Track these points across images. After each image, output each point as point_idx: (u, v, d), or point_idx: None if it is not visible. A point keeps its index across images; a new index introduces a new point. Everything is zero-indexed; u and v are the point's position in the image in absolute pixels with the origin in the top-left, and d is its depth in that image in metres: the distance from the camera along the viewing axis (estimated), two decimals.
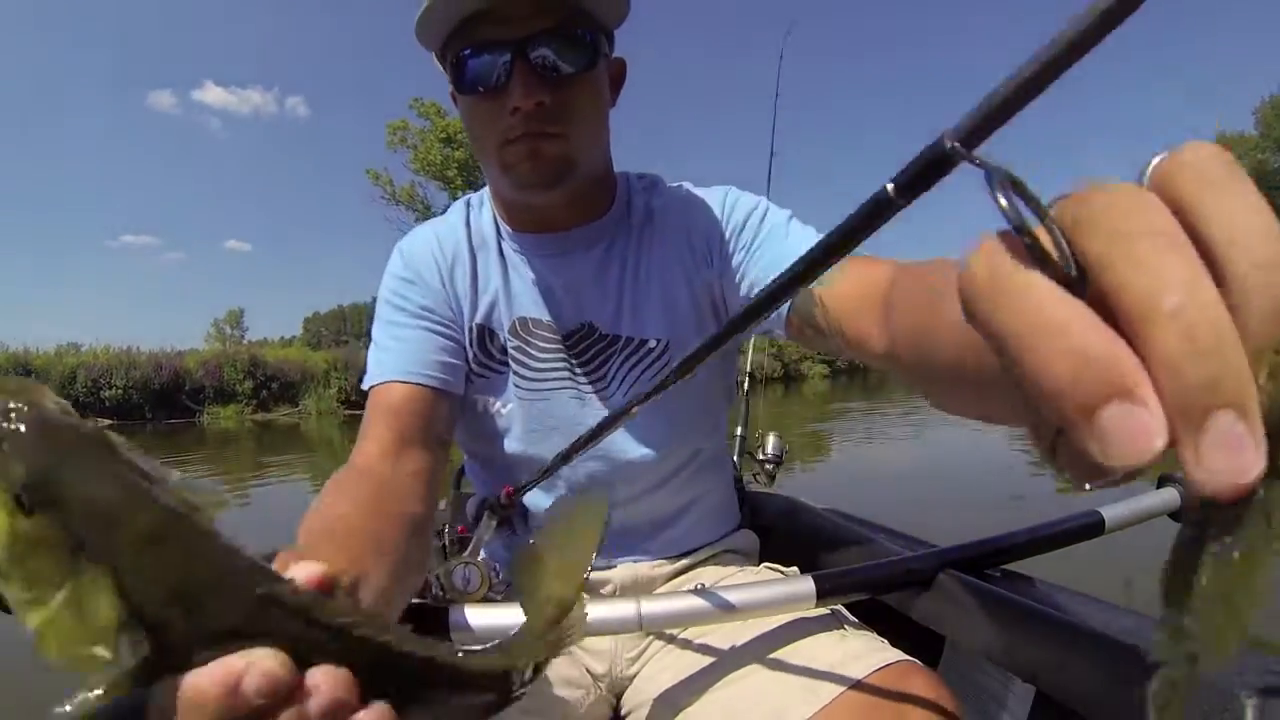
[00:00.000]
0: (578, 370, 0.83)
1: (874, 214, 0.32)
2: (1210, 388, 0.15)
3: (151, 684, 0.26)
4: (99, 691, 0.25)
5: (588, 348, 0.83)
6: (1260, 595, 0.17)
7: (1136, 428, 0.15)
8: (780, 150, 2.46)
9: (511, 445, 0.84)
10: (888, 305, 0.55)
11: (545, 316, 0.82)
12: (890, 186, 0.30)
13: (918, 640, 0.75)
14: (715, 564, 0.90)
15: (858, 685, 0.59)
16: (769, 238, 0.77)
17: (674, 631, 0.78)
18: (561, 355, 0.82)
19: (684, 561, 0.88)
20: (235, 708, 0.26)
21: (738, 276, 0.79)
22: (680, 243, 0.82)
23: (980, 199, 0.20)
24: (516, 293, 0.83)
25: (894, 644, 0.66)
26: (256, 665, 0.26)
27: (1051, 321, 0.17)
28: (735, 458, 2.00)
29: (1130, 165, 0.19)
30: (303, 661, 0.27)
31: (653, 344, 0.82)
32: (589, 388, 0.83)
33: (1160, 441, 0.15)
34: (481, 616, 0.62)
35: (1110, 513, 0.77)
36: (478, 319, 0.83)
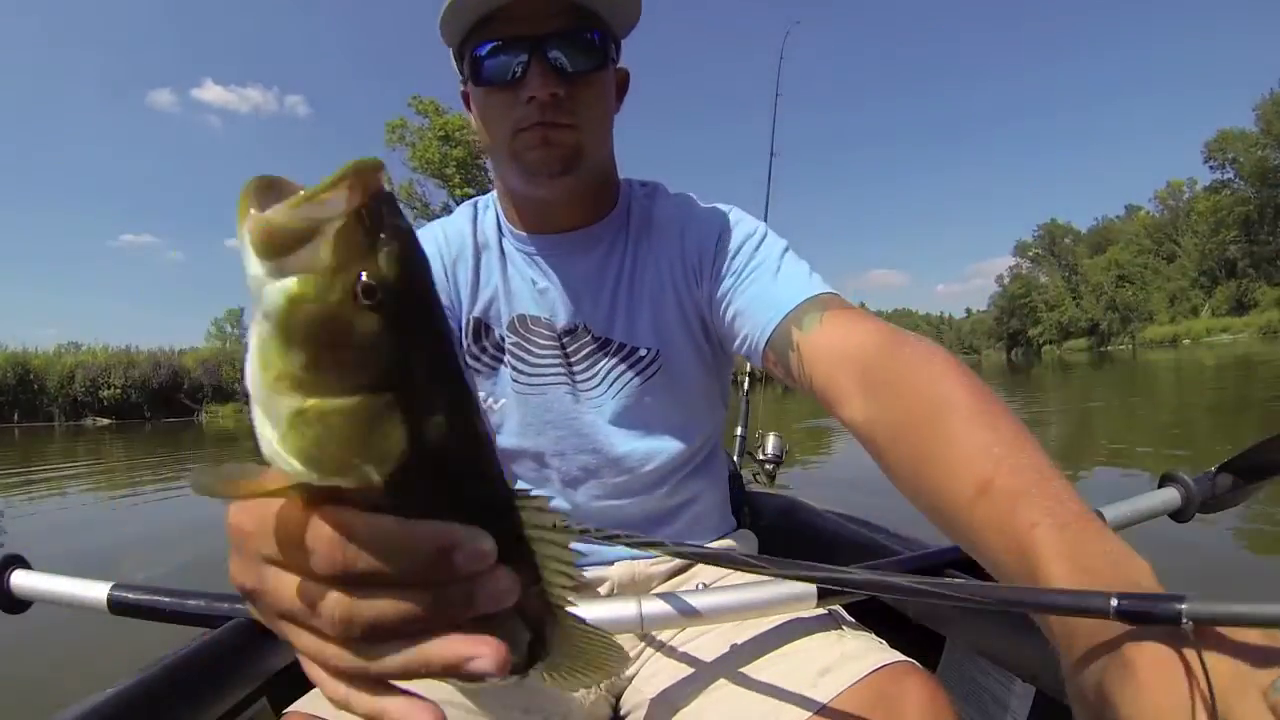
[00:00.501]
0: (573, 368, 0.84)
1: None
2: None
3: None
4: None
5: (581, 347, 0.84)
6: None
7: None
8: (780, 150, 2.47)
9: (508, 440, 0.86)
10: (869, 382, 0.60)
11: (543, 314, 0.84)
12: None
13: (917, 640, 0.75)
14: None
15: (855, 686, 0.59)
16: (760, 271, 0.78)
17: (673, 631, 0.78)
18: (558, 352, 0.84)
19: (682, 560, 0.88)
20: (432, 570, 0.26)
21: (724, 304, 0.79)
22: (674, 256, 0.83)
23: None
24: (516, 290, 0.85)
25: (894, 644, 0.66)
26: (479, 543, 0.26)
27: None
28: (735, 457, 2.00)
29: None
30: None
31: (643, 352, 0.83)
32: (583, 385, 0.84)
33: None
34: None
35: (1111, 513, 0.77)
36: (475, 313, 0.86)
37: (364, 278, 0.24)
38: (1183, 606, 0.29)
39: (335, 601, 0.26)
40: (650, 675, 0.77)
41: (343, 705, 0.28)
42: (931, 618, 0.72)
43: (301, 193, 0.24)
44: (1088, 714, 0.35)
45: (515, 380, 0.85)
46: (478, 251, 0.87)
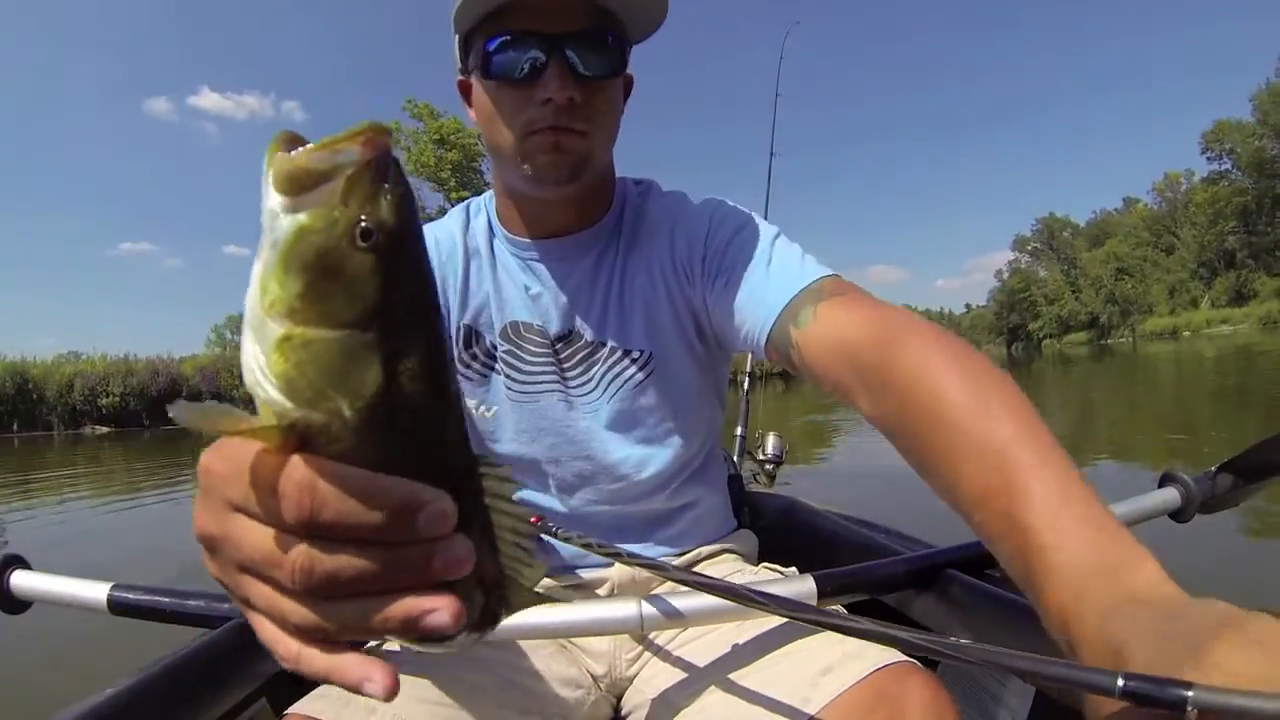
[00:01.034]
0: (565, 374, 0.84)
1: None
2: None
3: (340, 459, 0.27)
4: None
5: (574, 352, 0.83)
6: None
7: None
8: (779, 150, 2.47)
9: (504, 446, 0.85)
10: (865, 379, 0.60)
11: (536, 321, 0.84)
12: None
13: None
14: (714, 563, 0.90)
15: (856, 685, 0.59)
16: (753, 265, 0.77)
17: (673, 632, 0.78)
18: (550, 358, 0.84)
19: (681, 561, 0.88)
20: (394, 528, 0.26)
21: (718, 303, 0.78)
22: (665, 257, 0.83)
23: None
24: (508, 297, 0.85)
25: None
26: (441, 504, 0.27)
27: None
28: (735, 457, 2.00)
29: None
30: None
31: (636, 354, 0.83)
32: (576, 391, 0.84)
33: None
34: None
35: (1113, 514, 0.77)
36: (465, 319, 0.85)
37: (364, 221, 0.26)
38: (1189, 694, 0.29)
39: (297, 551, 0.26)
40: (651, 676, 0.77)
41: (294, 665, 0.28)
42: (931, 618, 0.72)
43: (323, 139, 0.27)
44: None
45: (509, 388, 0.84)
46: (468, 257, 0.86)
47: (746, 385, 2.41)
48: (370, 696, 0.27)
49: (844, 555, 1.00)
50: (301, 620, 0.27)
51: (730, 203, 0.85)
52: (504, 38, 0.71)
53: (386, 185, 0.27)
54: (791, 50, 2.84)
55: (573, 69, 0.71)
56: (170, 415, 0.26)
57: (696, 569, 0.88)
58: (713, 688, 0.67)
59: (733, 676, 0.67)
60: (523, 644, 0.75)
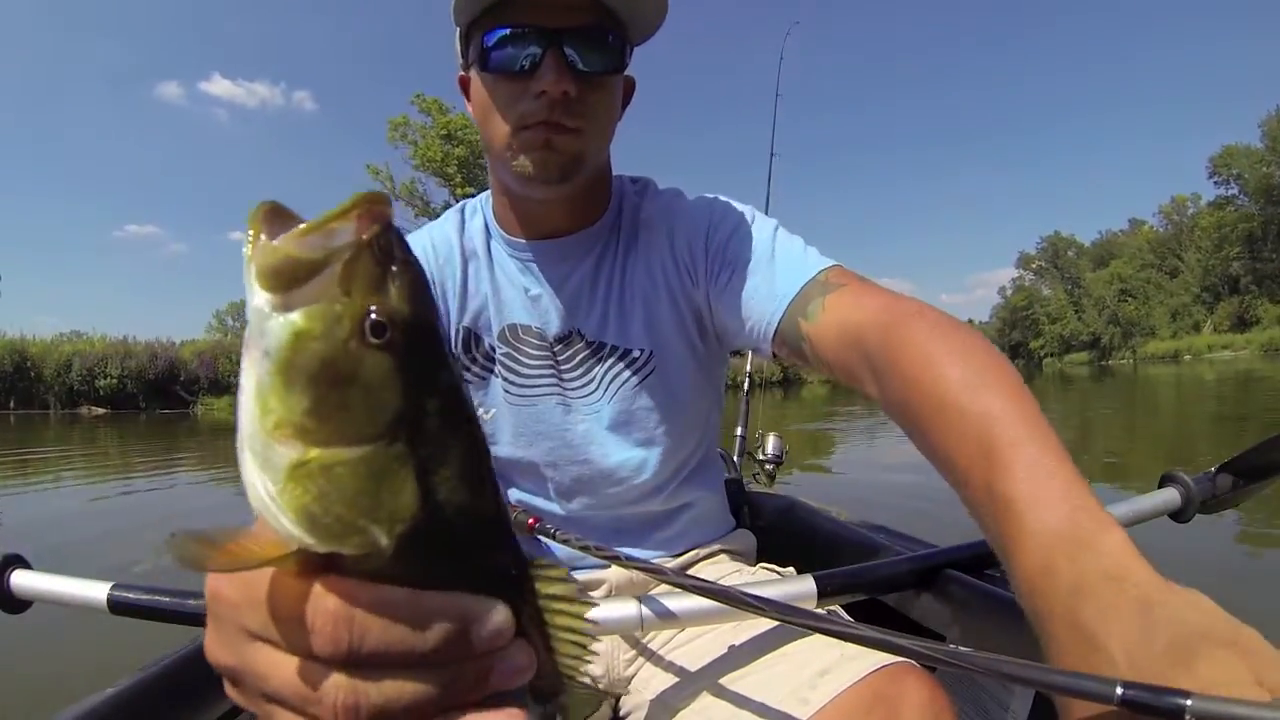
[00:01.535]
0: (564, 376, 0.83)
1: None
2: None
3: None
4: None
5: (574, 354, 0.83)
6: None
7: None
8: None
9: (502, 450, 0.85)
10: (873, 367, 0.60)
11: (534, 323, 0.83)
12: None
13: None
14: (711, 563, 0.89)
15: (854, 686, 0.58)
16: (755, 260, 0.76)
17: (672, 632, 0.77)
18: (549, 361, 0.83)
19: (679, 561, 0.88)
20: (449, 649, 0.24)
21: (723, 299, 0.78)
22: (665, 256, 0.82)
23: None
24: (506, 299, 0.84)
25: None
26: (497, 616, 0.24)
27: None
28: (735, 458, 2.00)
29: None
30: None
31: (637, 354, 0.82)
32: (575, 394, 0.83)
33: None
34: None
35: (1111, 513, 0.76)
36: (465, 322, 0.85)
37: (374, 313, 0.22)
38: (1187, 703, 0.29)
39: (337, 685, 0.23)
40: (649, 677, 0.77)
41: None
42: (931, 618, 0.72)
43: (312, 221, 0.23)
44: None
45: (507, 391, 0.84)
46: (465, 259, 0.86)
47: (746, 386, 2.42)
48: None
49: (844, 555, 1.00)
50: None
51: (726, 199, 0.85)
52: (503, 31, 0.71)
53: (394, 267, 0.23)
54: (794, 55, 2.85)
55: (570, 63, 0.70)
56: (169, 554, 0.22)
57: (693, 569, 0.88)
58: (711, 689, 0.67)
59: (731, 678, 0.67)
60: None
